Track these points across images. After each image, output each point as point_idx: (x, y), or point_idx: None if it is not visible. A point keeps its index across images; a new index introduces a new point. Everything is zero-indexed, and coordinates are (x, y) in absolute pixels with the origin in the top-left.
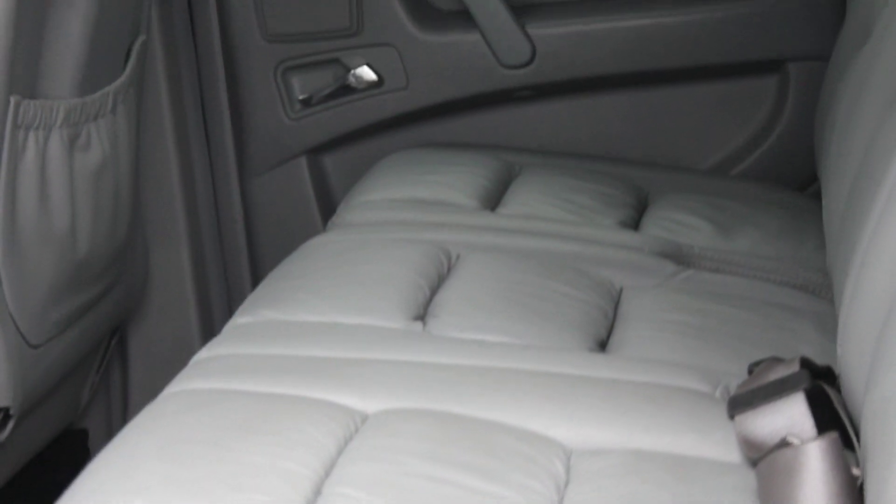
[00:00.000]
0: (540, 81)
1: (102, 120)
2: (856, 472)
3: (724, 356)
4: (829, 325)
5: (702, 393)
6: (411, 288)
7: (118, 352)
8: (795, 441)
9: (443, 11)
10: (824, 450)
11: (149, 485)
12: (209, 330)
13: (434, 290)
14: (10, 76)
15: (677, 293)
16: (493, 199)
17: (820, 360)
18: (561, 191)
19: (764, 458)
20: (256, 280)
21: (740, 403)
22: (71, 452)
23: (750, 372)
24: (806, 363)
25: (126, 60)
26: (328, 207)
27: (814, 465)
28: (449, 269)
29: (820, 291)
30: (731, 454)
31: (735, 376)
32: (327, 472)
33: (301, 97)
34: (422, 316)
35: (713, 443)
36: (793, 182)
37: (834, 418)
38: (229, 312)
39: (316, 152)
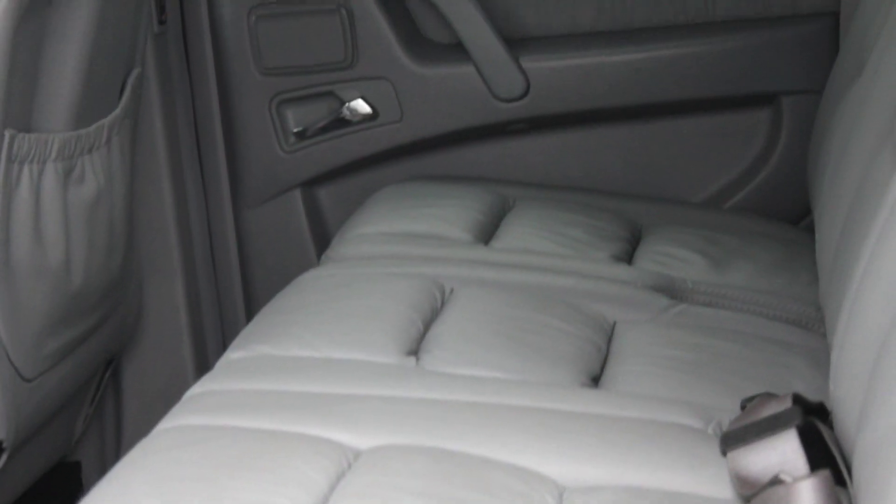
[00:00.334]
0: (534, 114)
1: (97, 153)
2: None
3: (716, 392)
4: (821, 360)
5: (695, 429)
6: (405, 323)
7: (112, 384)
8: (788, 478)
9: (437, 44)
10: (816, 488)
11: None
12: (203, 362)
13: (427, 324)
14: (5, 110)
15: (670, 328)
16: (486, 233)
17: (812, 395)
18: (554, 224)
19: (756, 495)
20: (250, 312)
21: (733, 440)
22: (64, 485)
23: (743, 408)
24: (798, 400)
25: (121, 93)
26: (322, 239)
27: (806, 503)
28: (442, 304)
29: (813, 326)
30: (724, 491)
31: (728, 412)
32: None
33: (296, 130)
34: (415, 351)
35: (706, 479)
36: (786, 215)
37: (826, 455)
38: (223, 344)
39: (310, 185)
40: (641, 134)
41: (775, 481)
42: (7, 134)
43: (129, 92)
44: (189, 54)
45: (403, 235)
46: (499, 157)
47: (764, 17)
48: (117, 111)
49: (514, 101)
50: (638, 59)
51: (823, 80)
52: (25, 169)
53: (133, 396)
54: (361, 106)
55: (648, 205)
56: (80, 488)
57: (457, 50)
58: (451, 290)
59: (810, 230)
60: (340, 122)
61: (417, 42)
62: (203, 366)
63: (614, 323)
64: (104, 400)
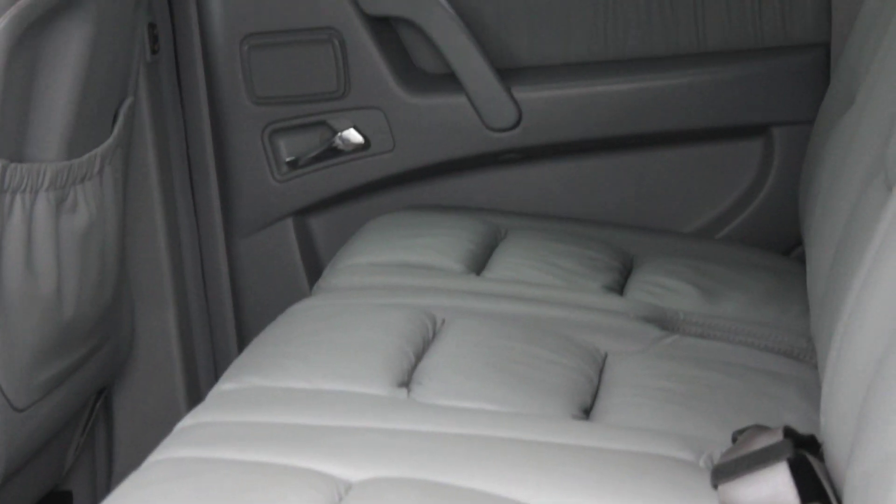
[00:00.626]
0: (526, 144)
1: (89, 182)
2: None
3: (708, 424)
4: (813, 391)
5: (686, 461)
6: (396, 354)
7: (103, 413)
8: None
9: (429, 74)
10: None
11: None
12: (195, 391)
13: (419, 356)
14: None
15: (662, 359)
16: (478, 263)
17: (804, 427)
18: (546, 255)
19: None
20: (242, 340)
21: (724, 473)
22: None
23: (734, 440)
24: (789, 432)
25: (113, 122)
26: (314, 269)
27: None
28: (434, 335)
29: (804, 357)
30: None
31: (719, 444)
32: None
33: (288, 159)
34: (406, 383)
35: None
36: (777, 245)
37: (817, 488)
38: (215, 373)
39: (302, 214)
40: (633, 164)
41: None
42: None
43: (121, 121)
44: (182, 83)
45: (395, 266)
46: (491, 186)
47: (755, 48)
48: (110, 141)
49: (506, 131)
50: (630, 89)
51: (815, 111)
52: (17, 198)
53: (125, 425)
54: (353, 135)
55: (640, 235)
56: None
57: (449, 80)
58: (443, 321)
59: (801, 260)
60: (332, 152)
61: (409, 72)
62: (195, 395)
63: (606, 354)
64: (96, 429)
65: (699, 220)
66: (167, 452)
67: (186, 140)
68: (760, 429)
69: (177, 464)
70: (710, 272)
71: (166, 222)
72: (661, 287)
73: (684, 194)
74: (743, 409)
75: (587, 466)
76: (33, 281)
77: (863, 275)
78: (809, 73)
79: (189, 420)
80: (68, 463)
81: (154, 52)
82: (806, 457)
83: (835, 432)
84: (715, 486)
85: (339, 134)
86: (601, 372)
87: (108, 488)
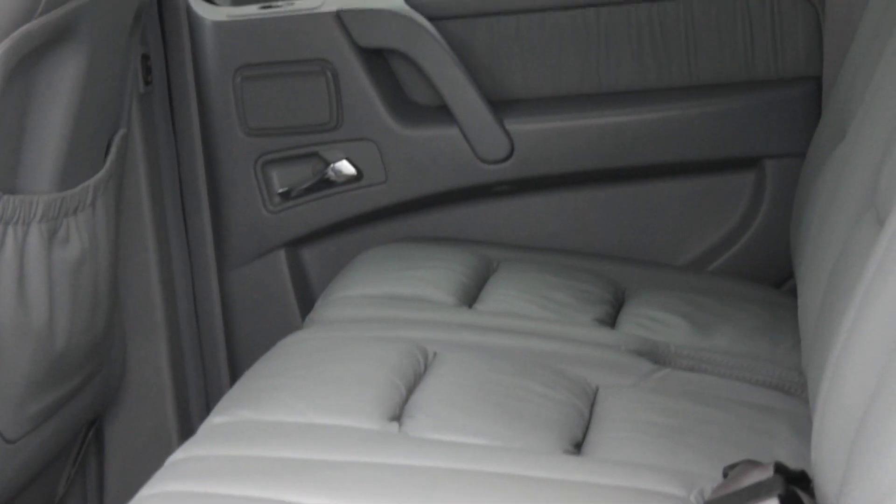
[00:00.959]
0: (518, 177)
1: (82, 214)
2: None
3: (699, 459)
4: (804, 426)
5: (677, 497)
6: (388, 388)
7: (95, 444)
8: None
9: (422, 106)
10: None
11: None
12: (186, 423)
13: (410, 389)
14: None
15: (653, 393)
16: (470, 296)
17: (794, 462)
18: (538, 287)
19: None
20: (234, 371)
21: None
22: None
23: (725, 475)
24: (780, 468)
25: (106, 154)
26: (306, 300)
27: None
28: (426, 368)
29: (796, 391)
30: None
31: (710, 479)
32: None
33: (280, 190)
34: (398, 416)
35: None
36: (769, 278)
37: None
38: (206, 404)
39: (295, 245)
40: (625, 196)
41: None
42: None
43: (114, 152)
44: (174, 114)
45: (387, 298)
46: (483, 218)
47: (747, 80)
48: (102, 172)
49: (499, 163)
50: (622, 121)
51: (806, 144)
52: (10, 230)
53: (116, 457)
54: (346, 167)
55: (632, 267)
56: None
57: (441, 112)
58: (435, 355)
59: (793, 293)
60: (325, 183)
61: (402, 104)
62: (186, 426)
63: (597, 388)
64: (87, 460)
65: (691, 252)
66: (159, 486)
67: (179, 171)
68: (751, 464)
69: (168, 498)
70: (702, 305)
71: (158, 253)
72: (653, 320)
73: (676, 226)
74: (734, 444)
75: (578, 502)
76: (25, 313)
77: (854, 310)
78: (801, 106)
79: (180, 454)
80: (59, 494)
81: (147, 83)
82: (797, 493)
83: (825, 468)
84: None
85: (332, 165)
86: (592, 406)
87: None
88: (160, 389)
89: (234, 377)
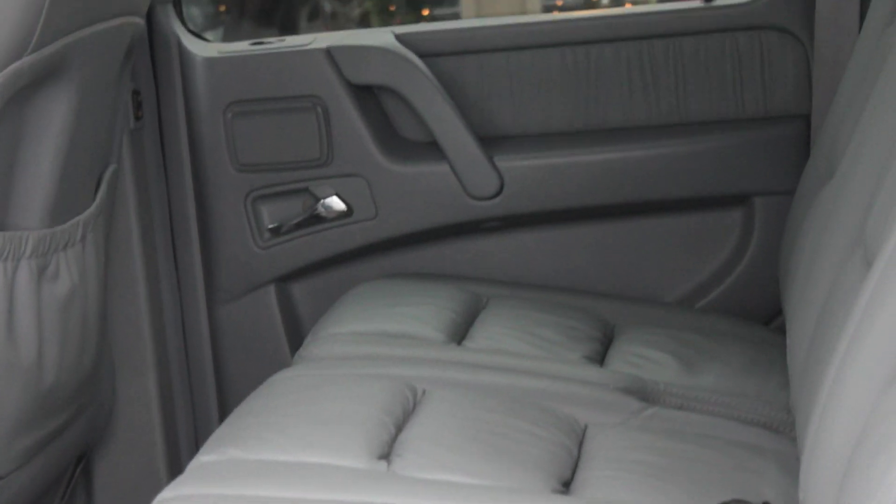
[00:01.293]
0: (508, 213)
1: (71, 250)
2: None
3: (687, 498)
4: (792, 465)
5: None
6: (376, 426)
7: (83, 480)
8: None
9: (412, 143)
10: None
11: None
12: (175, 459)
13: (399, 427)
14: None
15: (641, 431)
16: (460, 332)
17: (783, 501)
18: (527, 324)
19: None
20: (223, 407)
21: None
22: None
23: None
24: None
25: (96, 189)
26: (296, 335)
27: None
28: (414, 406)
29: (784, 429)
30: None
31: None
32: None
33: (270, 226)
34: (387, 455)
35: None
36: (758, 315)
37: None
38: (195, 440)
39: (284, 281)
40: (615, 233)
41: None
42: None
43: (104, 188)
44: (165, 150)
45: (377, 335)
46: (472, 254)
47: (736, 118)
48: (92, 208)
49: (488, 199)
50: (612, 158)
51: (795, 182)
52: None
53: (104, 493)
54: (336, 203)
55: (621, 304)
56: None
57: (431, 148)
58: (424, 392)
59: (782, 331)
60: (315, 219)
61: (392, 140)
62: (175, 462)
63: (586, 426)
64: (75, 496)
65: (680, 289)
66: None
67: (169, 206)
68: (740, 503)
69: None
70: (691, 342)
71: (148, 289)
72: (642, 357)
73: (665, 263)
74: (722, 484)
75: None
76: (14, 349)
77: (842, 351)
78: (790, 145)
79: (168, 493)
80: None
81: (138, 118)
82: None
83: None
84: None
85: (322, 201)
86: (581, 444)
87: None
88: (149, 425)
89: (223, 413)
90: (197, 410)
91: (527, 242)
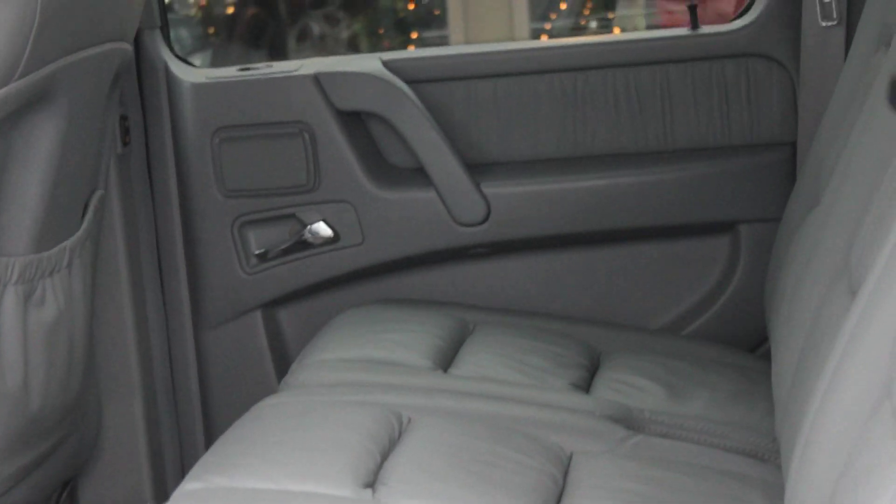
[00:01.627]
0: (494, 239)
1: (58, 275)
2: None
3: None
4: (777, 493)
5: None
6: (362, 454)
7: None
8: None
9: (399, 169)
10: None
11: None
12: (161, 485)
13: (385, 455)
14: None
15: (627, 459)
16: (446, 359)
17: None
18: (514, 351)
19: None
20: (209, 433)
21: None
22: None
23: None
24: None
25: (83, 214)
26: (283, 361)
27: None
28: (400, 434)
29: (769, 457)
30: None
31: None
32: None
33: (257, 252)
34: (372, 483)
35: None
36: (744, 342)
37: None
38: (181, 466)
39: (271, 306)
40: (601, 260)
41: None
42: None
43: (91, 213)
44: (152, 175)
45: (363, 362)
46: (459, 281)
47: (723, 146)
48: (79, 233)
49: (475, 225)
50: (598, 185)
51: (781, 210)
52: None
53: None
54: (323, 229)
55: (607, 331)
56: None
57: (418, 175)
58: (409, 420)
59: (768, 358)
60: (302, 245)
61: (379, 166)
62: (161, 488)
63: (571, 454)
64: None
65: (666, 316)
66: None
67: (156, 231)
68: None
69: None
70: (677, 369)
71: (135, 314)
72: (628, 385)
73: (651, 290)
74: None
75: None
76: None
77: (826, 381)
78: (776, 172)
79: None
80: None
81: (125, 143)
82: None
83: None
84: None
85: (309, 227)
86: (566, 472)
87: None
88: (135, 451)
89: (209, 439)
90: (183, 436)
91: (513, 269)
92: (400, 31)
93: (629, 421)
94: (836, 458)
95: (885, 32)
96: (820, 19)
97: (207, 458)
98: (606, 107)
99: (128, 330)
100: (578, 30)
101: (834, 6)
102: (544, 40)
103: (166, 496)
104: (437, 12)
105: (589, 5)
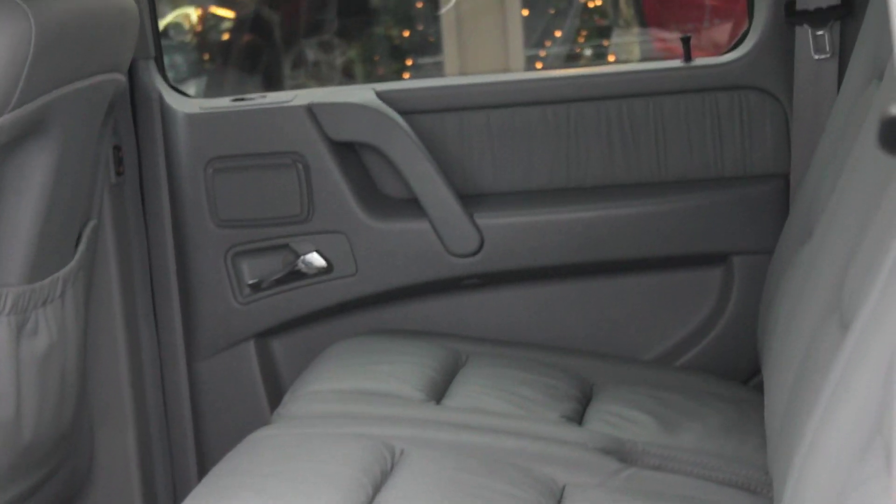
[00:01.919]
0: (487, 270)
1: (51, 306)
2: None
3: None
4: None
5: None
6: (354, 487)
7: None
8: None
9: (392, 200)
10: None
11: None
12: None
13: (377, 488)
14: None
15: (619, 492)
16: (439, 390)
17: None
18: (506, 383)
19: None
20: (202, 464)
21: None
22: None
23: None
24: None
25: (76, 244)
26: (275, 391)
27: None
28: (392, 466)
29: (762, 490)
30: None
31: None
32: None
33: (250, 282)
34: None
35: None
36: (736, 374)
37: None
38: (174, 496)
39: (264, 336)
40: (594, 291)
41: None
42: None
43: (84, 243)
44: (146, 205)
45: (356, 393)
46: (452, 312)
47: (716, 177)
48: (72, 263)
49: (468, 256)
50: (591, 217)
51: (774, 241)
52: None
53: None
54: (316, 259)
55: (600, 362)
56: None
57: (411, 205)
58: (402, 452)
59: (760, 389)
60: (295, 275)
61: (373, 197)
62: None
63: (564, 487)
64: None
65: (659, 347)
66: None
67: (150, 261)
68: None
69: None
70: (669, 401)
71: (128, 343)
72: (620, 417)
73: (644, 322)
74: None
75: None
76: None
77: (818, 415)
78: (769, 204)
79: None
80: None
81: (119, 173)
82: None
83: None
84: None
85: (302, 257)
86: None
87: None
88: (128, 481)
89: (202, 469)
90: (175, 466)
91: (506, 300)
92: (395, 58)
93: (622, 453)
94: (827, 494)
95: (878, 66)
96: (813, 52)
97: (200, 490)
98: (599, 138)
99: (121, 359)
100: (573, 57)
101: (827, 39)
102: (537, 72)
103: None
104: (431, 39)
105: (584, 33)
